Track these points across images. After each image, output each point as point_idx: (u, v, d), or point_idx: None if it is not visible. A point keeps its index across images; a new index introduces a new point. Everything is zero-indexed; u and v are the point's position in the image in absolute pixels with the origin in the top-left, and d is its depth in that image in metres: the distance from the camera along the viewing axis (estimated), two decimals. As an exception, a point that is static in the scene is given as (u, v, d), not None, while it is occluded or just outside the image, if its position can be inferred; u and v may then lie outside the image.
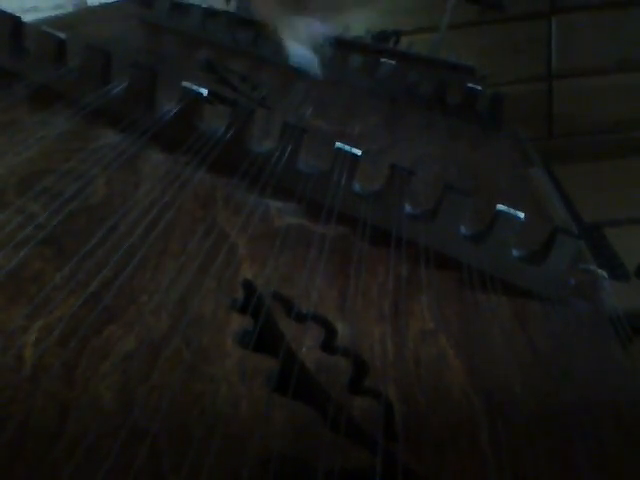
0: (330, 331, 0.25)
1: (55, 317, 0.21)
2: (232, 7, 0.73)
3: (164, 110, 0.36)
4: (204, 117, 0.36)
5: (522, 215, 0.32)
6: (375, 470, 0.18)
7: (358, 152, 0.34)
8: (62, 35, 0.37)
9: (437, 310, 0.29)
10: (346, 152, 0.34)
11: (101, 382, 0.19)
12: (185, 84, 0.35)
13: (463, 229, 0.33)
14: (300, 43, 0.31)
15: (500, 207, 0.32)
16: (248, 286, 0.26)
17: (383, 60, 0.61)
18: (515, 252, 0.32)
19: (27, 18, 0.40)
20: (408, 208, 0.34)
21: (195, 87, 0.35)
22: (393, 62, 0.61)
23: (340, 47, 0.64)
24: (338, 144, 0.34)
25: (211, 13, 0.64)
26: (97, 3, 0.82)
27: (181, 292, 0.24)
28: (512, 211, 0.32)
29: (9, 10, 0.38)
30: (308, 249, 0.30)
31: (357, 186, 0.34)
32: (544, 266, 0.32)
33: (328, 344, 0.24)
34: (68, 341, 0.20)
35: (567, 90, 1.04)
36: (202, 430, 0.19)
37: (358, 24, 0.78)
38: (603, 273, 0.34)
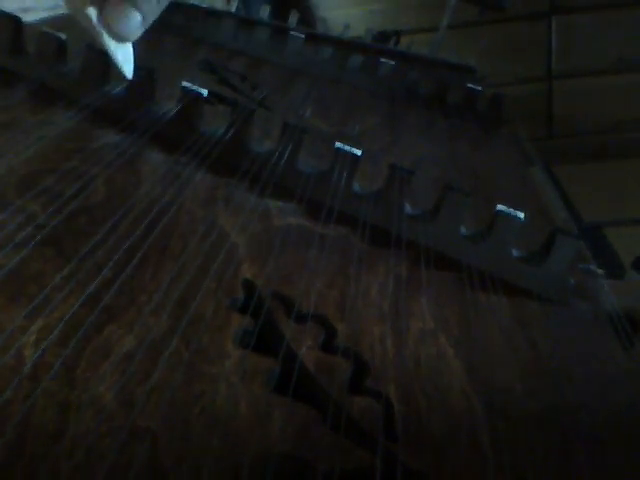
0: (330, 331, 0.25)
1: (55, 317, 0.21)
2: (232, 7, 0.73)
3: (164, 110, 0.36)
4: (204, 117, 0.36)
5: (522, 215, 0.32)
6: (375, 470, 0.18)
7: (358, 152, 0.34)
8: (62, 35, 0.37)
9: (437, 310, 0.29)
10: (346, 152, 0.34)
11: (101, 382, 0.19)
12: (185, 84, 0.35)
13: (463, 229, 0.33)
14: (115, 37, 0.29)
15: (500, 207, 0.32)
16: (248, 286, 0.26)
17: (383, 60, 0.61)
18: (515, 252, 0.32)
19: (27, 18, 0.40)
20: (408, 208, 0.34)
21: (195, 87, 0.35)
22: (393, 62, 0.61)
23: (340, 47, 0.64)
24: (338, 144, 0.34)
25: (211, 13, 0.64)
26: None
27: (181, 292, 0.24)
28: (512, 211, 0.32)
29: (9, 10, 0.38)
30: (308, 249, 0.30)
31: (357, 186, 0.34)
32: (544, 266, 0.32)
33: (328, 344, 0.24)
34: (68, 341, 0.20)
35: (567, 90, 1.04)
36: (202, 430, 0.19)
37: (358, 24, 0.78)
38: (603, 273, 0.34)
